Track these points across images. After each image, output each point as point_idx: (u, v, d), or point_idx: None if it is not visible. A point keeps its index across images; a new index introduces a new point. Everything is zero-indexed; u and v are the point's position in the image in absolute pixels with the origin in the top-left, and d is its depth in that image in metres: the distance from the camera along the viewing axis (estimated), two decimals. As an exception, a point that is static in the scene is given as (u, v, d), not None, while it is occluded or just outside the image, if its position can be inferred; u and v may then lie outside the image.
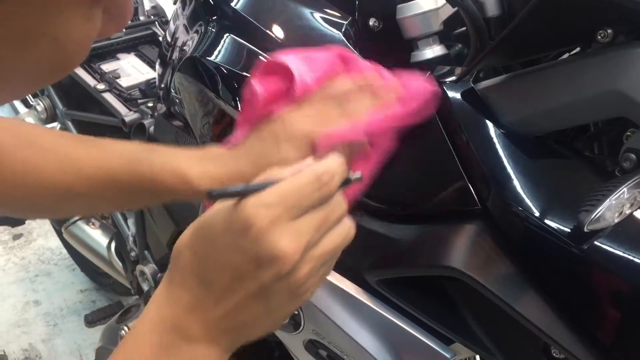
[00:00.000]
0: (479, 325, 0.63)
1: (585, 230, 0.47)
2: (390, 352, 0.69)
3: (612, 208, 0.45)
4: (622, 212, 0.46)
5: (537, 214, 0.54)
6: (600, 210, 0.45)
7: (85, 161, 0.66)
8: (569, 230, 0.53)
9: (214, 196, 0.42)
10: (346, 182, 0.46)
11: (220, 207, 0.44)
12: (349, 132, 0.59)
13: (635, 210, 0.48)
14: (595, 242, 0.52)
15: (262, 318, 0.46)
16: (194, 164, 0.63)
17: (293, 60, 0.62)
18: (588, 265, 0.53)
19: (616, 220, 0.46)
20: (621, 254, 0.52)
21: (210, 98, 0.82)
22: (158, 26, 1.49)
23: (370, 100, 0.61)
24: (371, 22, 0.79)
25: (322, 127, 0.59)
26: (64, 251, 2.11)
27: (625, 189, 0.46)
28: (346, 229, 0.47)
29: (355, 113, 0.60)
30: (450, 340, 0.69)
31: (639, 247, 0.52)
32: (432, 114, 0.61)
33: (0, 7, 0.29)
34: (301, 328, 0.73)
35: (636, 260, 0.51)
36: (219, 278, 0.44)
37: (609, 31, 0.50)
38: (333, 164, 0.45)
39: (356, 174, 0.49)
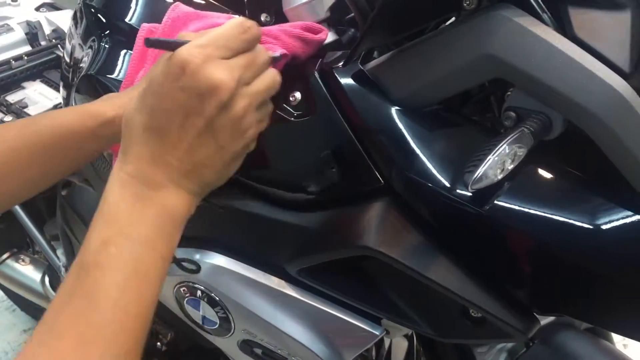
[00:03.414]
0: (401, 299, 0.65)
1: (470, 190, 0.48)
2: (322, 339, 0.70)
3: (493, 165, 0.47)
4: (504, 168, 0.48)
5: (437, 182, 0.56)
6: (481, 169, 0.46)
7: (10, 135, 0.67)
8: (470, 195, 0.55)
9: (151, 42, 0.48)
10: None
11: (156, 65, 0.49)
12: None
13: (517, 164, 0.50)
14: (496, 202, 0.54)
15: (215, 156, 0.50)
16: (96, 104, 0.67)
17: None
18: (492, 226, 0.55)
19: (499, 177, 0.48)
20: (522, 209, 0.54)
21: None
22: (61, 49, 1.45)
23: None
24: (262, 17, 0.79)
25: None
26: (1, 293, 2.02)
27: (505, 145, 0.48)
28: (272, 73, 0.54)
29: None
30: (379, 318, 0.70)
31: (538, 201, 0.54)
32: (327, 100, 0.62)
33: None
34: (232, 330, 0.73)
35: (536, 213, 0.53)
36: (169, 122, 0.48)
37: (473, -2, 0.52)
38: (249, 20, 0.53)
39: (275, 53, 0.59)
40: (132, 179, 0.49)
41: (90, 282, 0.44)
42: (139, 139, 0.49)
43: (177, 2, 0.75)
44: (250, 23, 0.52)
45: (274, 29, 0.65)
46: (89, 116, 0.65)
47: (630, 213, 0.52)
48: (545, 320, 0.79)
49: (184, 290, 0.75)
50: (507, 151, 0.48)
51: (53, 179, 0.70)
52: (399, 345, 0.92)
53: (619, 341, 1.56)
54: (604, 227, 0.52)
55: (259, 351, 0.74)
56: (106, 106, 0.66)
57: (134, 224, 0.47)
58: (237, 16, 0.77)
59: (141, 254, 0.47)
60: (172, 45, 0.48)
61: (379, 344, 0.91)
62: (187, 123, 0.48)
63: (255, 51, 0.52)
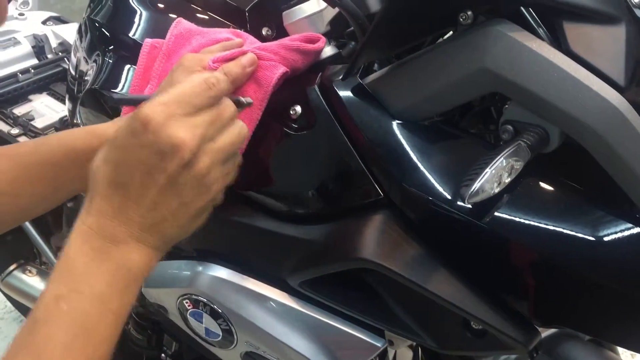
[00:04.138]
0: (402, 311, 0.65)
1: (467, 203, 0.48)
2: (324, 351, 0.70)
3: (490, 179, 0.47)
4: (500, 181, 0.48)
5: (436, 195, 0.56)
6: (478, 182, 0.47)
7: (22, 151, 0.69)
8: (469, 207, 0.55)
9: (113, 101, 0.49)
10: (238, 104, 0.55)
11: (122, 119, 0.49)
12: (235, 53, 0.66)
13: (514, 177, 0.50)
14: (495, 214, 0.55)
15: (179, 212, 0.50)
16: (104, 125, 0.69)
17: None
18: (491, 238, 0.55)
19: (496, 190, 0.48)
20: (520, 221, 0.54)
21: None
22: (67, 62, 1.46)
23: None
24: (264, 31, 0.80)
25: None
26: (9, 304, 2.03)
27: (502, 159, 0.48)
28: (239, 127, 0.54)
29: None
30: (382, 330, 0.70)
31: (537, 213, 0.54)
32: (327, 113, 0.63)
33: None
34: (235, 342, 0.73)
35: (535, 225, 0.54)
36: (131, 178, 0.48)
37: (469, 13, 0.53)
38: (217, 73, 0.53)
39: (247, 98, 0.59)
40: (93, 233, 0.48)
41: (39, 338, 0.45)
42: (102, 192, 0.49)
43: (179, 18, 0.76)
44: (216, 79, 0.52)
45: (273, 45, 0.66)
46: (96, 136, 0.67)
47: (628, 225, 0.52)
48: (548, 331, 0.79)
49: (186, 302, 0.76)
50: (503, 164, 0.48)
51: (62, 196, 0.71)
52: (404, 356, 0.92)
53: (625, 350, 1.55)
54: (602, 239, 0.52)
55: (261, 363, 0.74)
56: (111, 127, 0.67)
57: (88, 279, 0.47)
58: (240, 30, 0.78)
59: (91, 310, 0.46)
60: (135, 102, 0.49)
61: (383, 355, 0.91)
62: (148, 180, 0.48)
63: (221, 106, 0.52)
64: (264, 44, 0.68)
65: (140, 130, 0.47)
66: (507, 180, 0.49)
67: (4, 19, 0.38)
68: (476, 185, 0.47)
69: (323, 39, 0.70)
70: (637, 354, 1.65)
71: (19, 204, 0.67)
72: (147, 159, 0.47)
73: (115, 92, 0.47)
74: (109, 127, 0.68)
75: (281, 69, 0.65)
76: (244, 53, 0.66)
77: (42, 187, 0.67)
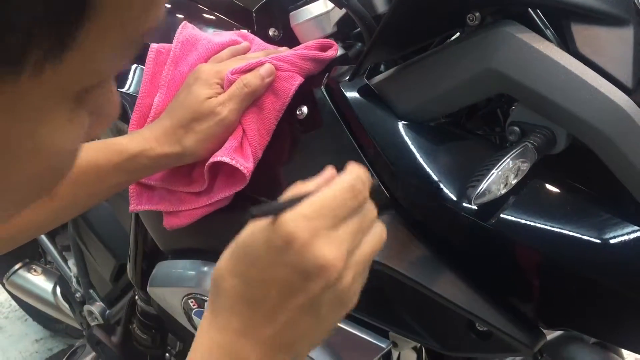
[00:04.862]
0: (407, 312, 0.65)
1: (473, 205, 0.48)
2: (328, 351, 0.70)
3: (496, 180, 0.47)
4: (507, 183, 0.48)
5: (442, 196, 0.56)
6: (484, 183, 0.47)
7: None
8: (475, 209, 0.55)
9: (254, 215, 0.42)
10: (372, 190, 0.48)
11: (254, 227, 0.44)
12: (253, 64, 0.66)
13: (520, 179, 0.50)
14: (501, 216, 0.54)
15: (313, 330, 0.46)
16: (123, 140, 0.68)
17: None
18: (497, 239, 0.55)
19: (502, 192, 0.48)
20: (527, 223, 0.54)
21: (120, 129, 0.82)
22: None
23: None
24: (271, 32, 0.80)
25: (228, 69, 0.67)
26: (14, 303, 2.04)
27: (508, 160, 0.48)
28: (379, 231, 0.48)
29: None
30: (386, 331, 0.70)
31: (543, 215, 0.54)
32: (333, 114, 0.63)
33: None
34: (240, 342, 0.73)
35: (541, 227, 0.53)
36: (267, 297, 0.44)
37: (477, 14, 0.53)
38: (361, 172, 0.46)
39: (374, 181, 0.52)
40: (219, 349, 0.45)
41: None
42: (232, 308, 0.45)
43: (184, 22, 0.77)
44: (362, 184, 0.45)
45: (290, 55, 0.67)
46: (113, 152, 0.66)
47: (635, 228, 0.52)
48: (553, 333, 0.79)
49: (191, 302, 0.76)
50: (510, 166, 0.48)
51: (78, 210, 0.70)
52: (408, 358, 0.92)
53: (630, 353, 1.55)
54: (609, 241, 0.52)
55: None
56: (131, 142, 0.67)
57: None
58: (244, 30, 0.78)
59: None
60: (275, 210, 0.42)
61: (387, 356, 0.91)
62: (287, 299, 0.43)
63: (364, 210, 0.46)
64: (281, 53, 0.69)
65: (282, 248, 0.42)
66: (514, 181, 0.49)
67: (117, 115, 0.35)
68: (482, 186, 0.47)
69: (335, 45, 0.70)
70: (642, 358, 1.64)
71: (33, 219, 0.66)
72: (289, 278, 0.43)
73: (261, 204, 0.42)
74: (126, 142, 0.67)
75: (298, 80, 0.66)
76: (262, 64, 0.66)
77: (57, 202, 0.66)
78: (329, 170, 0.48)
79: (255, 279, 0.44)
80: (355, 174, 0.46)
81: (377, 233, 0.48)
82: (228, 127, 0.67)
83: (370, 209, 0.47)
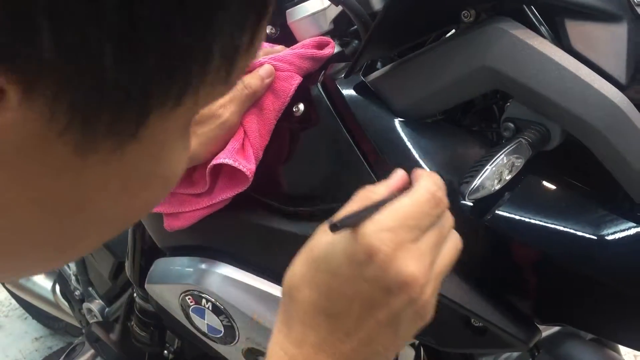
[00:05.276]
0: (403, 308, 0.65)
1: (467, 201, 0.49)
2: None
3: (490, 176, 0.47)
4: (501, 178, 0.48)
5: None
6: (478, 179, 0.47)
7: None
8: (471, 205, 0.55)
9: (337, 228, 0.39)
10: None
11: (332, 237, 0.42)
12: (252, 65, 0.65)
13: (515, 175, 0.50)
14: (497, 212, 0.55)
15: (391, 344, 0.44)
16: None
17: None
18: (492, 235, 0.55)
19: (496, 187, 0.49)
20: (522, 219, 0.54)
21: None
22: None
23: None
24: (268, 30, 0.80)
25: None
26: (13, 301, 2.05)
27: (502, 156, 0.48)
28: (456, 240, 0.47)
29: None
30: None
31: (538, 211, 0.54)
32: (329, 111, 0.63)
33: (121, 158, 0.24)
34: (237, 339, 0.74)
35: (536, 223, 0.54)
36: (348, 310, 0.42)
37: (471, 11, 0.53)
38: (437, 178, 0.45)
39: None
40: None
41: None
42: (308, 321, 0.43)
43: None
44: (442, 192, 0.44)
45: (288, 54, 0.67)
46: None
47: (629, 223, 0.52)
48: (550, 330, 0.79)
49: (189, 298, 0.76)
50: (504, 162, 0.48)
51: None
52: (407, 355, 0.92)
53: (630, 351, 1.55)
54: (602, 237, 0.52)
55: (261, 359, 0.74)
56: None
57: None
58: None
59: None
60: (355, 220, 0.41)
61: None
62: (368, 315, 0.42)
63: (443, 219, 0.45)
64: (279, 53, 0.69)
65: (364, 261, 0.40)
66: (508, 177, 0.49)
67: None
68: (476, 182, 0.47)
69: (332, 43, 0.71)
70: (641, 356, 1.64)
71: None
72: (370, 293, 0.41)
73: (338, 214, 0.41)
74: None
75: (297, 80, 0.66)
76: (261, 65, 0.66)
77: None
78: (399, 173, 0.47)
79: (335, 292, 0.42)
80: (435, 181, 0.44)
81: (455, 242, 0.46)
82: (230, 129, 0.67)
83: (448, 217, 0.46)
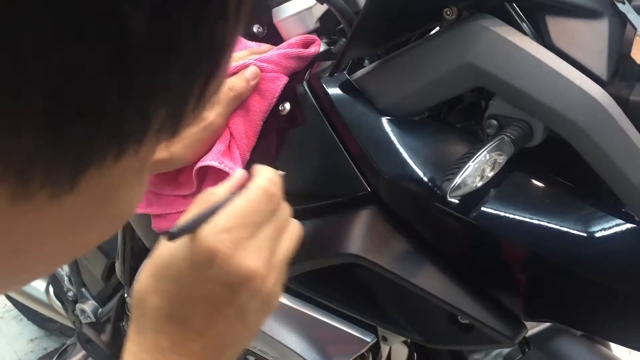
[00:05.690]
0: (390, 306, 0.65)
1: (449, 198, 0.49)
2: (315, 346, 0.70)
3: (472, 173, 0.47)
4: (483, 175, 0.48)
5: (422, 190, 0.57)
6: (460, 176, 0.47)
7: None
8: (456, 202, 0.55)
9: (175, 236, 0.41)
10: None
11: (173, 245, 0.43)
12: (238, 67, 0.65)
13: (497, 171, 0.50)
14: (482, 209, 0.55)
15: (242, 335, 0.46)
16: None
17: None
18: (477, 232, 0.55)
19: (478, 184, 0.49)
20: (507, 216, 0.54)
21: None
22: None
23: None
24: (255, 29, 0.80)
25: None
26: (9, 303, 2.04)
27: (485, 153, 0.48)
28: (295, 229, 0.49)
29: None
30: (373, 326, 0.70)
31: (524, 208, 0.55)
32: (315, 109, 0.63)
33: (59, 205, 0.23)
34: (226, 338, 0.74)
35: (521, 220, 0.54)
36: (195, 312, 0.44)
37: (453, 8, 0.53)
38: (272, 174, 0.46)
39: (280, 172, 0.51)
40: None
41: None
42: (157, 326, 0.44)
43: None
44: (275, 186, 0.46)
45: (274, 54, 0.67)
46: None
47: (614, 220, 0.52)
48: (541, 326, 0.79)
49: (178, 298, 0.76)
50: (486, 158, 0.48)
51: None
52: (399, 352, 0.92)
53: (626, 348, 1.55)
54: (587, 233, 0.52)
55: (252, 359, 0.74)
56: None
57: None
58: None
59: None
60: (193, 226, 0.42)
61: (376, 351, 0.91)
62: (216, 313, 0.44)
63: (279, 212, 0.47)
64: (265, 54, 0.69)
65: (205, 263, 0.42)
66: (490, 174, 0.49)
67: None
68: (458, 179, 0.47)
69: (318, 41, 0.71)
70: (634, 351, 1.64)
71: None
72: (215, 293, 0.43)
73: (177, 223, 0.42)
74: None
75: (283, 80, 0.67)
76: (246, 66, 0.66)
77: None
78: (238, 173, 0.49)
79: (181, 297, 0.43)
80: (267, 177, 0.46)
81: (294, 231, 0.49)
82: (215, 132, 0.67)
83: (284, 208, 0.48)
